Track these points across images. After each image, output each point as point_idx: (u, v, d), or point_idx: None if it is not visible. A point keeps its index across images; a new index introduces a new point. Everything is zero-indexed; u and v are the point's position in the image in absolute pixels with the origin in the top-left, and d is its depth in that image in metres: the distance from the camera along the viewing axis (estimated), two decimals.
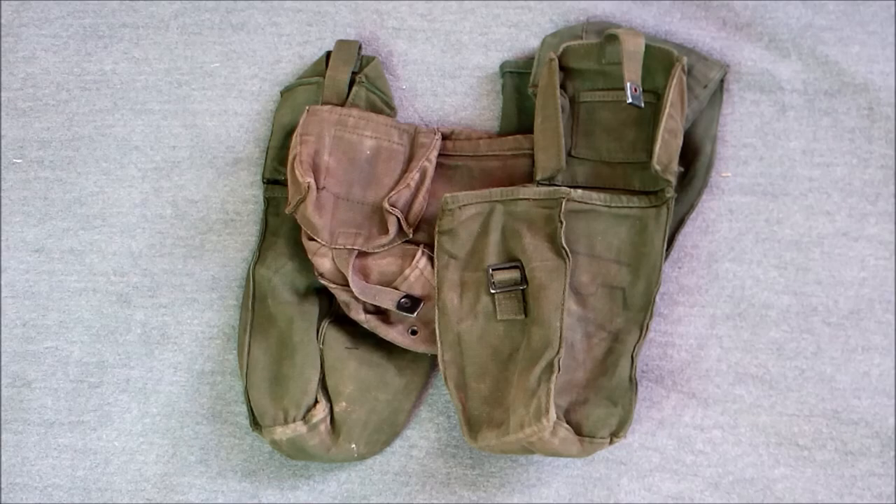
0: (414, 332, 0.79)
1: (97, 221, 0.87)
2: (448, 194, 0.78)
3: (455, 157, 0.83)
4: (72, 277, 0.87)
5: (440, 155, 0.82)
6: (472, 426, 0.76)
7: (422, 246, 0.79)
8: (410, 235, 0.79)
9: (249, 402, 0.79)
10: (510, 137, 0.83)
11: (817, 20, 0.84)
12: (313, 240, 0.78)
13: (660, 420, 0.79)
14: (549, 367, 0.72)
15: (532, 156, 0.80)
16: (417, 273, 0.78)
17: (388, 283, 0.78)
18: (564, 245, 0.75)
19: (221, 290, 0.85)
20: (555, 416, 0.71)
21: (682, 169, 0.78)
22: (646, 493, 0.78)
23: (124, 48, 0.92)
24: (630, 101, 0.74)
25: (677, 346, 0.80)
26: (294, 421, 0.77)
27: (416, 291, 0.78)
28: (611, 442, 0.74)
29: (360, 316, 0.78)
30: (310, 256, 0.79)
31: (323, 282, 0.79)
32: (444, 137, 0.83)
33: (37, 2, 0.93)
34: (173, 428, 0.83)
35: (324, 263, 0.78)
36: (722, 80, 0.82)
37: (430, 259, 0.79)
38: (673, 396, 0.79)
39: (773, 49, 0.83)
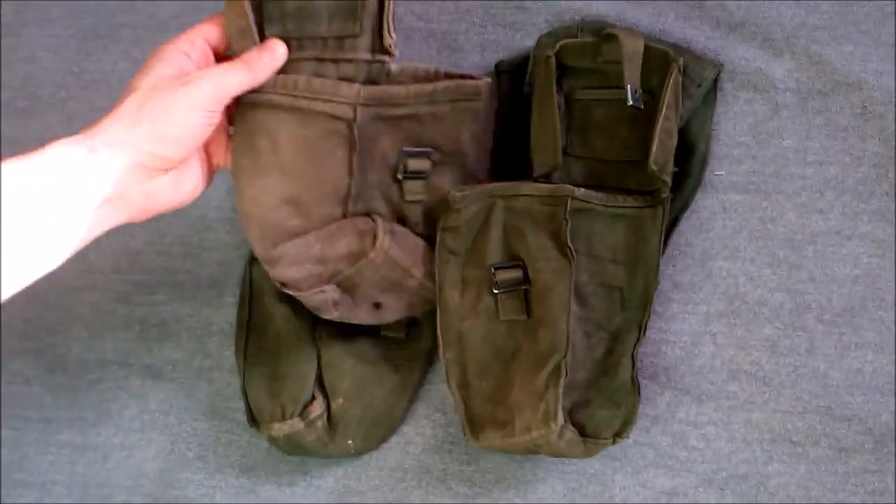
0: (378, 306, 0.77)
1: None
2: (453, 192, 0.76)
3: (400, 105, 0.72)
4: (70, 275, 0.87)
5: (380, 104, 0.71)
6: (475, 425, 0.76)
7: (374, 217, 0.74)
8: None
9: (247, 398, 0.80)
10: (453, 82, 0.74)
11: (811, 19, 0.84)
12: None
13: (654, 416, 0.80)
14: (557, 371, 0.73)
15: (475, 100, 0.75)
16: (383, 256, 0.74)
17: (356, 261, 0.73)
18: (570, 245, 0.75)
19: (219, 288, 0.86)
20: (563, 420, 0.71)
21: (675, 169, 0.78)
22: (640, 489, 0.79)
23: (124, 48, 0.92)
24: (631, 102, 0.75)
25: (671, 343, 0.81)
26: (291, 417, 0.77)
27: (384, 272, 0.74)
28: (613, 442, 0.75)
29: (332, 314, 0.75)
30: (273, 272, 0.73)
31: (289, 292, 0.74)
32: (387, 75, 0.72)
33: (37, 2, 0.94)
34: (171, 424, 0.84)
35: (288, 272, 0.73)
36: (716, 80, 0.83)
37: (393, 234, 0.74)
38: (667, 393, 0.80)
39: (767, 48, 0.84)
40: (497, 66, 0.86)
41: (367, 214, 0.74)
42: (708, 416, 0.79)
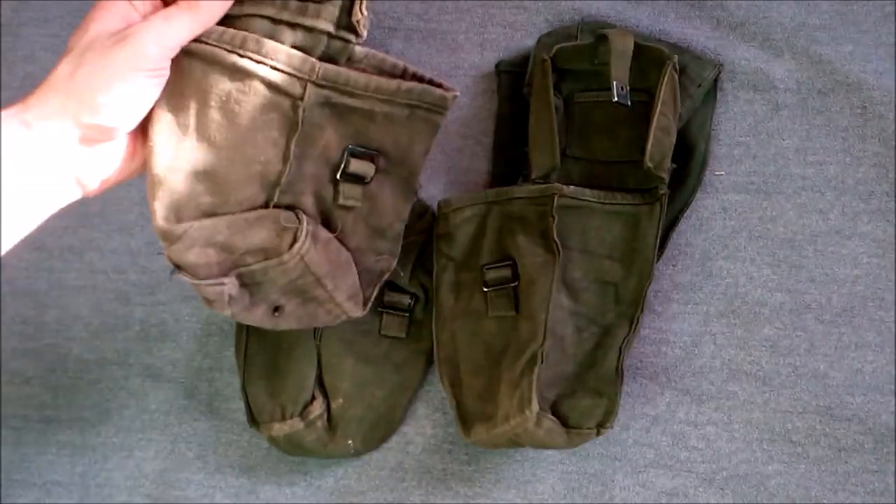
0: (277, 310, 0.69)
1: (96, 220, 0.88)
2: (441, 198, 0.78)
3: (355, 95, 0.65)
4: (71, 275, 0.87)
5: (334, 89, 0.63)
6: (466, 422, 0.77)
7: (300, 214, 0.65)
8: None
9: (247, 398, 0.80)
10: (419, 85, 0.67)
11: (811, 19, 0.84)
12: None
13: (654, 416, 0.80)
14: (533, 359, 0.73)
15: (438, 112, 0.70)
16: (297, 261, 0.65)
17: (265, 258, 0.65)
18: (556, 238, 0.75)
19: None
20: (537, 406, 0.71)
21: (674, 166, 0.78)
22: (640, 489, 0.79)
23: None
24: (616, 99, 0.75)
25: (671, 343, 0.81)
26: (291, 417, 0.78)
27: (293, 276, 0.66)
28: (598, 433, 0.75)
29: (226, 311, 0.66)
30: (169, 250, 0.63)
31: (183, 277, 0.64)
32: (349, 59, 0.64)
33: (36, 1, 0.94)
34: (171, 424, 0.84)
35: (186, 255, 0.63)
36: (716, 79, 0.83)
37: (315, 238, 0.66)
38: (667, 393, 0.80)
39: (767, 48, 0.84)
40: (497, 66, 0.86)
41: (292, 208, 0.65)
42: (708, 416, 0.79)
